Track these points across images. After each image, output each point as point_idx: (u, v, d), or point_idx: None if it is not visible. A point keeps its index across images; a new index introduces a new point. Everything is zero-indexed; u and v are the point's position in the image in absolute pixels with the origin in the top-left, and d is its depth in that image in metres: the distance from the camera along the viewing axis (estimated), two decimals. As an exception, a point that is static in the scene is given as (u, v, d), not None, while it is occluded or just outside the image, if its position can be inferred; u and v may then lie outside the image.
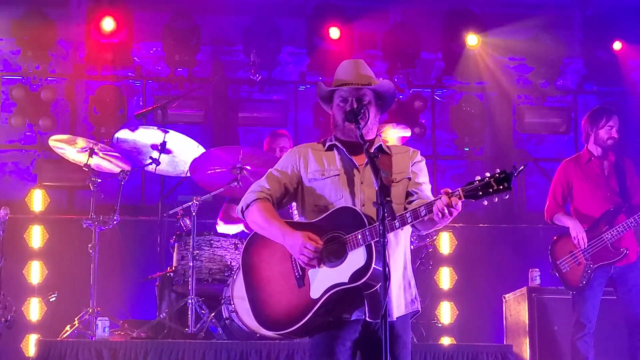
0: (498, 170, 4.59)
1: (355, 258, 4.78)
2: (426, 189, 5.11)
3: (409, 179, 5.08)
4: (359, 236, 4.76)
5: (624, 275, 7.95)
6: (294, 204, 5.27)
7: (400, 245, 4.98)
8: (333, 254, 4.84)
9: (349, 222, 4.82)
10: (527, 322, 8.61)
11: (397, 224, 4.71)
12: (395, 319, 4.91)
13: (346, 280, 4.77)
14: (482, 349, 7.99)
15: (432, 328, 9.95)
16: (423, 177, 5.15)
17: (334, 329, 4.88)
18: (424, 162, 5.21)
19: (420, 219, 4.73)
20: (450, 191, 4.64)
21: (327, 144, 5.16)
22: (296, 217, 5.16)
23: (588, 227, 8.00)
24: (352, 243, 4.79)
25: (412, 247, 8.86)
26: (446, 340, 9.83)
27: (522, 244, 10.41)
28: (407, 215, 4.73)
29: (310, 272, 4.87)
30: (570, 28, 12.03)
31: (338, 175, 5.03)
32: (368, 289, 4.79)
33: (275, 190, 5.08)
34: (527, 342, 8.58)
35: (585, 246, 7.95)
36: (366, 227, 4.76)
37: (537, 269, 8.96)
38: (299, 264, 4.90)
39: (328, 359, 4.88)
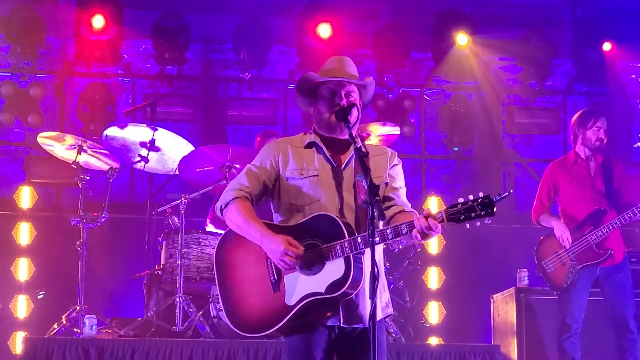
0: (481, 195, 4.59)
1: (333, 269, 4.74)
2: (402, 194, 5.08)
3: (386, 183, 5.04)
4: (338, 247, 4.72)
5: (610, 276, 7.96)
6: None
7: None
8: (310, 262, 4.79)
9: (327, 230, 4.77)
10: (514, 322, 8.62)
11: (377, 239, 4.65)
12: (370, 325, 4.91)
13: (322, 291, 4.74)
14: (469, 349, 8.00)
15: (420, 328, 9.96)
16: (400, 181, 5.11)
17: (310, 332, 4.84)
18: (400, 164, 5.16)
19: (401, 236, 4.70)
20: (432, 213, 4.64)
21: (306, 141, 5.09)
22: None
23: (573, 228, 8.02)
24: (330, 253, 4.75)
25: (400, 247, 8.87)
26: (434, 340, 9.82)
27: (511, 244, 10.41)
28: (388, 232, 4.70)
29: (286, 278, 4.82)
30: (560, 29, 12.04)
31: (316, 176, 4.96)
32: (344, 297, 4.77)
33: (255, 188, 5.00)
34: (514, 342, 8.58)
35: (570, 246, 7.96)
36: (345, 239, 4.73)
37: (525, 270, 8.96)
38: (275, 269, 4.85)
39: None
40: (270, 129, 10.05)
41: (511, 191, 4.78)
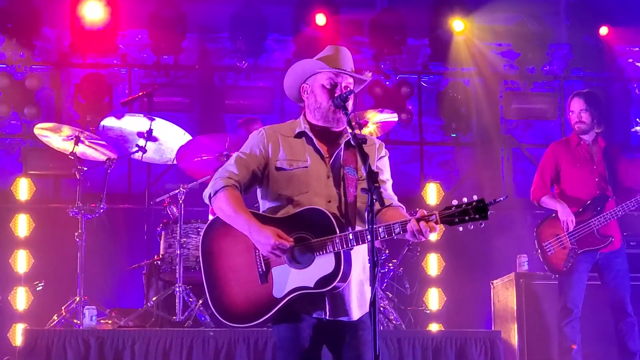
0: (476, 198, 4.61)
1: (323, 263, 4.73)
2: (389, 187, 5.08)
3: None
4: (328, 243, 4.71)
5: (609, 262, 7.94)
6: None
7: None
8: (300, 255, 4.78)
9: (317, 224, 4.76)
10: (515, 307, 8.61)
11: (368, 237, 4.61)
12: (356, 319, 4.89)
13: (312, 285, 4.73)
14: (470, 335, 7.99)
15: (420, 315, 9.96)
16: (387, 174, 5.10)
17: (298, 322, 4.83)
18: (387, 156, 5.15)
19: (394, 236, 4.69)
20: (426, 214, 4.63)
21: (296, 130, 5.06)
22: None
23: (576, 212, 7.98)
24: (320, 248, 4.73)
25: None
26: (434, 327, 9.84)
27: (510, 230, 10.38)
28: (381, 230, 4.68)
29: (275, 270, 4.81)
30: (557, 13, 12.02)
31: (306, 168, 4.93)
32: (333, 290, 4.77)
33: (244, 176, 4.96)
34: (515, 327, 8.58)
35: (572, 230, 7.94)
36: (336, 235, 4.71)
37: (525, 255, 8.95)
38: (263, 260, 4.83)
39: (296, 354, 4.82)
40: (251, 117, 9.96)
41: (505, 197, 4.75)
